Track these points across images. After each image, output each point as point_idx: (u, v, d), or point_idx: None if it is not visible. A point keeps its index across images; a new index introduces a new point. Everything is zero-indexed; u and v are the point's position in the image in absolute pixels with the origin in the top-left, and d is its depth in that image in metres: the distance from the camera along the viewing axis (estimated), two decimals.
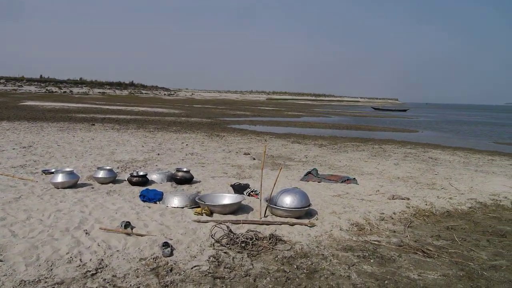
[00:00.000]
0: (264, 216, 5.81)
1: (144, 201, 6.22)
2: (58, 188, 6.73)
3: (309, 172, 8.93)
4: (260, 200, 5.95)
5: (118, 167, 8.83)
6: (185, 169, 7.63)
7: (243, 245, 4.87)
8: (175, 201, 6.03)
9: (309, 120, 31.19)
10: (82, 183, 7.25)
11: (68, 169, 7.00)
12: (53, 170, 7.57)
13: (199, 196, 6.06)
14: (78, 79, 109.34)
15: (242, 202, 6.27)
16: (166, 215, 5.70)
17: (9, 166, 8.50)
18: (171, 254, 4.51)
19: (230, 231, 5.14)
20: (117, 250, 4.49)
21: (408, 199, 7.22)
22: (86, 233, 4.83)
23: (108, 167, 7.42)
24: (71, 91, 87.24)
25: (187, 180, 7.51)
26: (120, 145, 12.36)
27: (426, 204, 7.01)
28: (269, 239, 5.09)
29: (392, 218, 6.23)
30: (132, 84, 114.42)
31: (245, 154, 11.59)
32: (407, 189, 8.05)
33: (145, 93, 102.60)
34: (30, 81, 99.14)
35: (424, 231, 5.76)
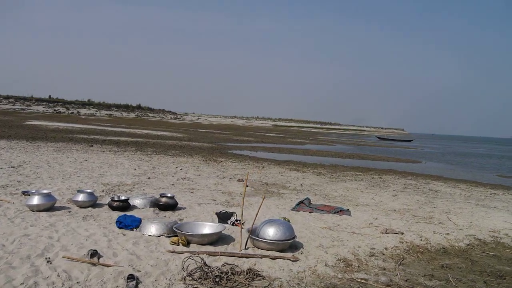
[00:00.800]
0: (245, 248, 5.44)
1: (120, 227, 5.88)
2: (34, 211, 6.41)
3: (301, 202, 8.56)
4: (241, 230, 5.58)
5: (103, 191, 8.52)
6: (169, 195, 7.30)
7: (217, 279, 4.50)
8: (152, 229, 5.69)
9: (312, 148, 30.87)
10: (61, 206, 6.93)
11: (45, 191, 6.70)
12: (33, 192, 7.25)
13: (177, 225, 5.70)
14: (86, 100, 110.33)
15: (225, 232, 5.92)
16: (140, 243, 5.34)
17: None
18: None
19: (205, 263, 4.78)
20: (77, 282, 4.14)
21: (402, 233, 6.82)
22: (48, 262, 4.48)
23: (88, 190, 7.12)
24: (78, 112, 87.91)
25: (171, 206, 7.17)
26: (113, 168, 12.09)
27: (421, 240, 6.60)
28: (246, 274, 4.71)
29: (383, 254, 5.83)
30: (139, 107, 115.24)
31: (238, 180, 11.26)
32: (402, 222, 7.64)
33: (152, 116, 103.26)
34: (39, 101, 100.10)
35: (416, 270, 5.35)
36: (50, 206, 6.55)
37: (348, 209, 8.28)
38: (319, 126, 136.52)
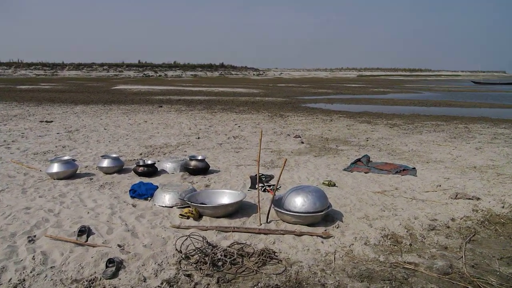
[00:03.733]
0: (267, 222, 4.51)
1: (133, 197, 5.24)
2: (54, 179, 6.02)
3: (358, 160, 7.36)
4: (259, 201, 4.63)
5: (140, 154, 8.01)
6: (199, 157, 6.53)
7: (219, 263, 3.65)
8: (165, 199, 4.96)
9: (394, 97, 28.41)
10: (86, 173, 6.50)
11: (65, 158, 6.27)
12: (64, 158, 6.87)
13: (190, 194, 4.90)
14: (172, 63, 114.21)
15: (250, 201, 5.04)
16: (145, 217, 4.64)
17: (33, 152, 8.09)
18: (114, 275, 3.43)
19: (207, 243, 3.94)
20: (52, 267, 3.52)
21: (478, 199, 5.40)
22: (30, 241, 3.93)
23: (114, 155, 6.58)
24: (165, 75, 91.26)
25: (201, 170, 6.41)
26: (168, 128, 11.66)
27: (503, 207, 5.15)
28: (258, 256, 3.80)
29: (448, 227, 4.56)
30: (222, 66, 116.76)
31: (295, 137, 10.22)
32: (481, 183, 6.15)
33: (235, 74, 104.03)
34: (130, 66, 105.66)
35: (491, 249, 4.05)
36: (71, 174, 6.11)
37: (414, 168, 6.92)
38: (407, 73, 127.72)
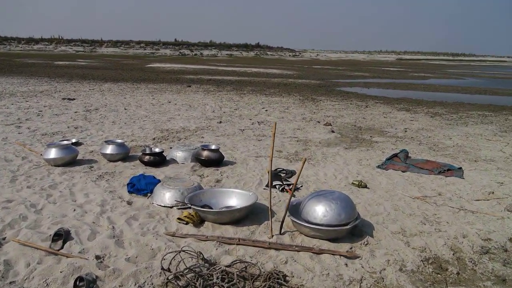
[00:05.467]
0: (280, 233, 3.73)
1: (130, 192, 4.57)
2: (51, 165, 5.44)
3: (394, 155, 6.45)
4: (269, 208, 3.83)
5: (154, 138, 7.37)
6: (213, 147, 5.79)
7: None
8: (164, 197, 4.26)
9: (436, 83, 26.73)
10: (87, 159, 5.90)
11: (64, 142, 5.68)
12: (63, 143, 6.25)
13: (193, 193, 4.18)
14: (208, 42, 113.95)
15: (264, 204, 4.27)
16: (138, 218, 3.96)
17: (42, 133, 7.59)
18: None
19: (203, 259, 3.23)
20: (12, 282, 2.90)
21: None
22: None
23: (119, 141, 5.93)
24: (201, 53, 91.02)
25: (214, 161, 5.67)
26: (190, 110, 11.00)
27: None
28: (264, 281, 3.05)
29: (505, 251, 3.66)
30: (258, 46, 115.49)
31: (325, 124, 9.33)
32: None
33: (270, 55, 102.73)
34: (166, 44, 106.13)
35: None
36: (69, 160, 5.51)
37: (460, 168, 5.95)
38: (450, 58, 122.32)
